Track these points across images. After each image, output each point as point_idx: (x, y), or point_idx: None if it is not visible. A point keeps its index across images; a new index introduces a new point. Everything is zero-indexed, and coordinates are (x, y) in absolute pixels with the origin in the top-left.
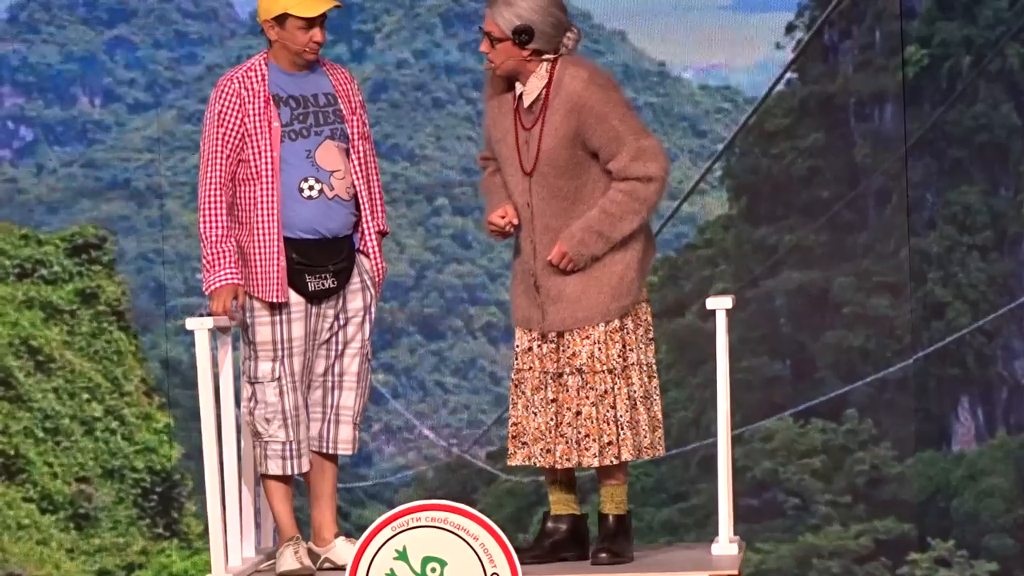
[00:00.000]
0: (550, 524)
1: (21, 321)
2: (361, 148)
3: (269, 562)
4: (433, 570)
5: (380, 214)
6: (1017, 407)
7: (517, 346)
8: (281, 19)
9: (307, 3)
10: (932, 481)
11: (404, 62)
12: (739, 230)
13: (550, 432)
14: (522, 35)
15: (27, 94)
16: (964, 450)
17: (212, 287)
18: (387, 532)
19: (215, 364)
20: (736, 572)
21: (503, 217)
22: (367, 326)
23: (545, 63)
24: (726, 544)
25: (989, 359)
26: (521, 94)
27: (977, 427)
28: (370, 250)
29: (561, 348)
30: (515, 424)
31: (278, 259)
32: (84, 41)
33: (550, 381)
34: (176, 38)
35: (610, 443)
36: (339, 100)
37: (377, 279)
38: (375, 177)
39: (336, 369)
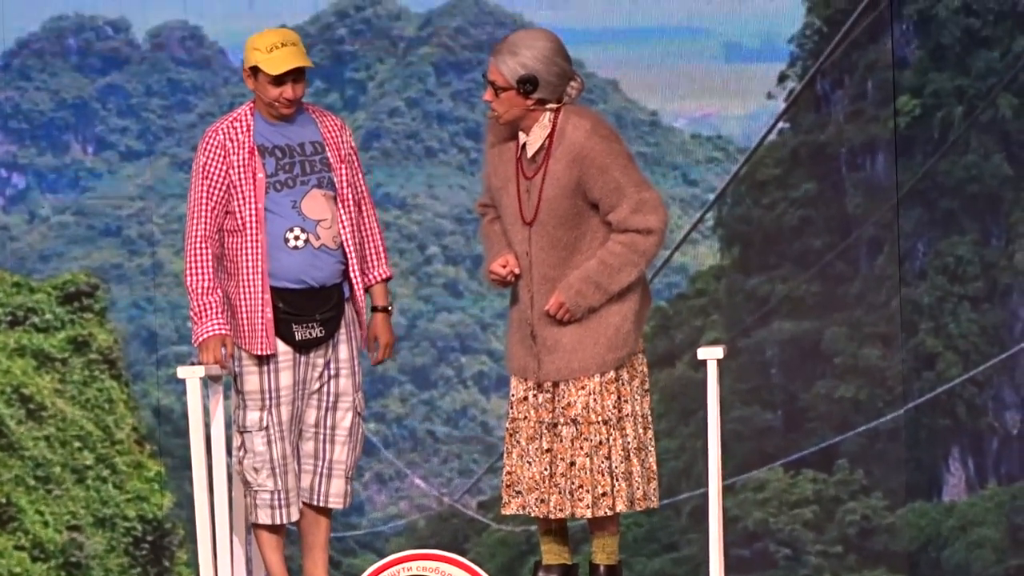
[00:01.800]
0: (541, 574)
1: (13, 369)
2: (350, 196)
3: None
4: None
5: (382, 260)
6: (1008, 458)
7: (512, 395)
8: (254, 71)
9: (274, 60)
10: (923, 531)
11: (397, 111)
12: (730, 280)
13: (545, 482)
14: (527, 84)
15: (20, 141)
16: (955, 501)
17: (201, 338)
18: None
19: (206, 413)
20: None
21: (504, 266)
22: (357, 376)
23: (548, 112)
24: None
25: (980, 410)
26: (524, 144)
27: (968, 478)
28: (356, 298)
29: (556, 398)
30: (509, 473)
31: (263, 311)
32: (77, 88)
33: (545, 431)
34: (169, 85)
35: (604, 494)
36: (327, 148)
37: (362, 330)
38: (374, 222)
39: (328, 422)
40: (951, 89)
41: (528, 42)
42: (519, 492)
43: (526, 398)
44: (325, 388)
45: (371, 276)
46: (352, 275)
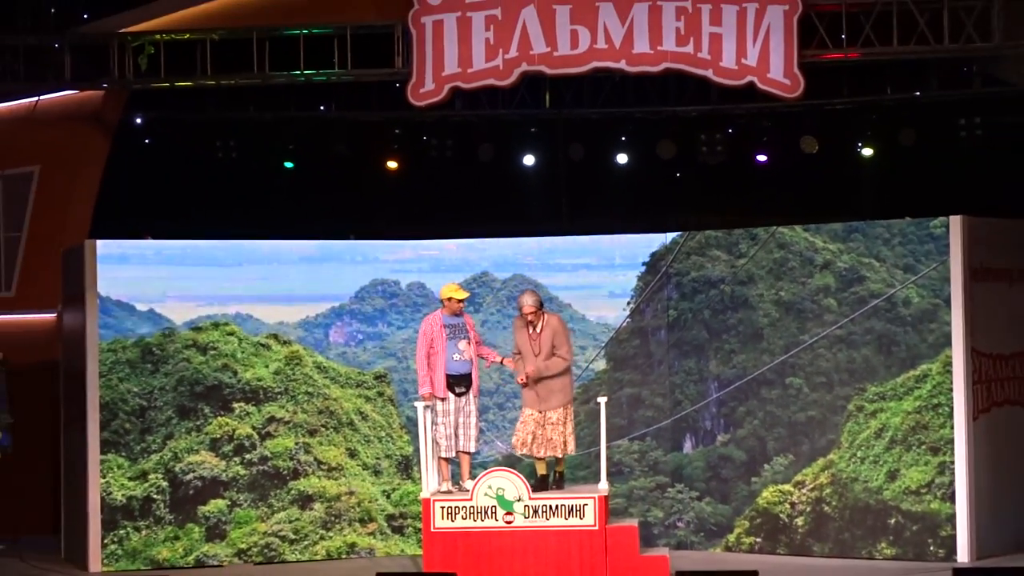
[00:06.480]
0: (537, 477)
1: (355, 401)
2: (474, 342)
3: (439, 488)
4: (500, 491)
5: (494, 355)
6: (705, 438)
7: (525, 413)
8: (449, 299)
9: (461, 294)
10: (678, 464)
11: (492, 314)
12: (610, 375)
13: (536, 443)
14: (542, 303)
15: (361, 324)
16: (688, 452)
17: (421, 392)
18: (485, 479)
19: (425, 418)
20: (606, 494)
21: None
22: (476, 404)
23: (544, 313)
24: (604, 483)
25: (696, 419)
26: (533, 327)
27: (693, 444)
28: (475, 378)
29: (545, 415)
30: (523, 439)
31: (443, 381)
32: (381, 305)
33: (536, 424)
34: (411, 305)
35: (558, 447)
36: (466, 327)
37: (476, 390)
38: (485, 348)
39: (468, 422)
40: (688, 308)
41: (532, 291)
42: (525, 445)
43: (531, 414)
44: (464, 409)
45: (490, 359)
46: (474, 370)
